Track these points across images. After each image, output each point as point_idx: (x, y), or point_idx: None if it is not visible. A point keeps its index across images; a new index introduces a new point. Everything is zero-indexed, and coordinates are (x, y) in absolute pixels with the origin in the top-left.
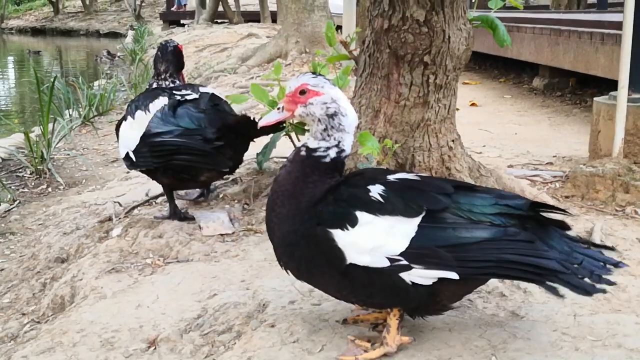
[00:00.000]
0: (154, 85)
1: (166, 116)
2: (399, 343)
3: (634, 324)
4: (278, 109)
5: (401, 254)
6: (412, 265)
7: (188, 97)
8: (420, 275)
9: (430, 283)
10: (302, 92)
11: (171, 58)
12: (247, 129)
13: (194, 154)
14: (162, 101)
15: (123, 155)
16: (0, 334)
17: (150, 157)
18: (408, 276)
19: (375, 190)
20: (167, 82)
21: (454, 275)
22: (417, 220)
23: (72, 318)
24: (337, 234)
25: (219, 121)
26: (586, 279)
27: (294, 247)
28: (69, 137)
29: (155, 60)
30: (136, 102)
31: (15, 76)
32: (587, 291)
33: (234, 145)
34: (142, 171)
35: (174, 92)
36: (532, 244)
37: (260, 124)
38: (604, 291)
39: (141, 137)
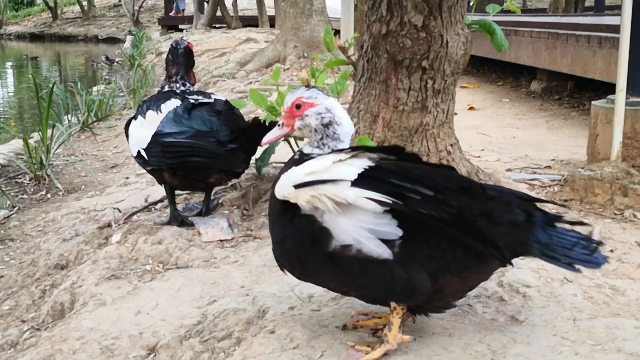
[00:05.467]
0: (166, 89)
1: (179, 118)
2: (399, 341)
3: (633, 328)
4: (279, 125)
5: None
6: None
7: (203, 102)
8: (361, 196)
9: (379, 208)
10: (298, 107)
11: (182, 61)
12: (259, 133)
13: (207, 156)
14: (174, 103)
15: (135, 154)
16: (0, 341)
17: (164, 157)
18: (346, 191)
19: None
20: (178, 85)
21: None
22: (365, 164)
23: (72, 325)
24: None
25: (233, 124)
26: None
27: (285, 241)
28: (68, 143)
29: (167, 62)
30: (148, 102)
31: (14, 82)
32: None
33: (247, 148)
34: (149, 171)
35: (187, 96)
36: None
37: (264, 141)
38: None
39: (152, 137)
